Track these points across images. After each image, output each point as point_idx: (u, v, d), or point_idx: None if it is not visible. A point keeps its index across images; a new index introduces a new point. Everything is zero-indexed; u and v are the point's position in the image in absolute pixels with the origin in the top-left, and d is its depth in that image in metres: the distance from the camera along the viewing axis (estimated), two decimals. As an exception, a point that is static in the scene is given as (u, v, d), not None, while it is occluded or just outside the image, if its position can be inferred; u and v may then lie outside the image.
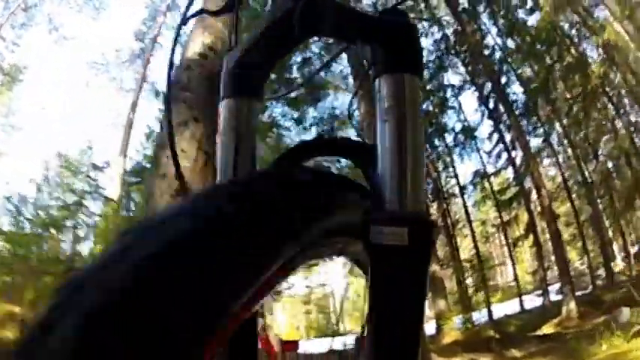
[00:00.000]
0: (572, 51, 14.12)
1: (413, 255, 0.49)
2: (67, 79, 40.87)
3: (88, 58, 22.95)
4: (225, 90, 0.63)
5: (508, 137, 15.60)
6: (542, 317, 12.18)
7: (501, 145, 15.86)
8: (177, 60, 3.82)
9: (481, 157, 16.39)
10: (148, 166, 13.19)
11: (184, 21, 0.76)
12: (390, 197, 0.52)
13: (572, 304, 10.70)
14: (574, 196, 15.98)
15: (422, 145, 0.55)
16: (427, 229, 0.50)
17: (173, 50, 0.75)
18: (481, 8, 14.80)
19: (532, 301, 15.65)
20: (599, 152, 16.41)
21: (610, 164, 16.49)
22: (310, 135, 14.37)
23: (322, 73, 13.44)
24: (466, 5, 14.52)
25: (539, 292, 15.50)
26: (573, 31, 13.97)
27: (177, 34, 0.75)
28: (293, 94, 13.27)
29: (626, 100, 14.49)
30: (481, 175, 16.29)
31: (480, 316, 14.67)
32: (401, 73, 0.55)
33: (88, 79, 29.28)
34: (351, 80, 13.51)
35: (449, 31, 15.49)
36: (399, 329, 0.50)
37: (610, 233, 15.63)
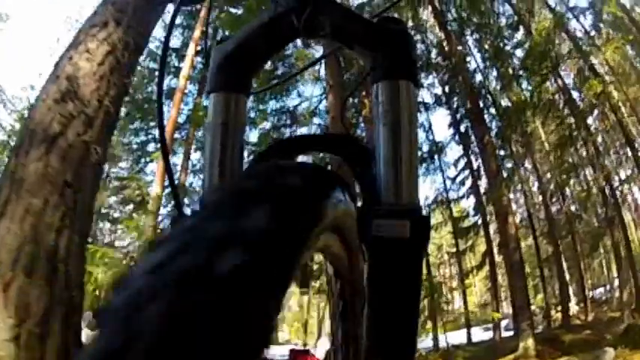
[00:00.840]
0: (557, 84, 13.71)
1: (413, 247, 0.51)
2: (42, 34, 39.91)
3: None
4: (213, 83, 0.63)
5: (475, 164, 15.04)
6: (493, 352, 11.41)
7: (467, 172, 15.28)
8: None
9: (444, 181, 15.68)
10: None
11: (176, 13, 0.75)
12: (387, 192, 0.53)
13: (530, 341, 9.90)
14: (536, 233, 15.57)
15: (416, 146, 0.57)
16: (425, 222, 0.51)
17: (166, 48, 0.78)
18: (468, 31, 14.29)
19: (480, 334, 15.03)
20: (567, 193, 16.25)
21: (575, 207, 16.38)
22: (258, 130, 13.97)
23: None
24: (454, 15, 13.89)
25: (488, 325, 14.87)
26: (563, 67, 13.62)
27: (170, 33, 0.74)
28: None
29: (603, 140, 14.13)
30: (441, 201, 15.61)
31: (424, 345, 13.93)
32: (398, 79, 0.57)
33: (60, 35, 27.41)
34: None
35: (430, 41, 14.84)
36: (400, 318, 0.52)
37: (567, 275, 15.16)
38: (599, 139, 14.48)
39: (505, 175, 13.66)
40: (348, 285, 0.67)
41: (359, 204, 0.54)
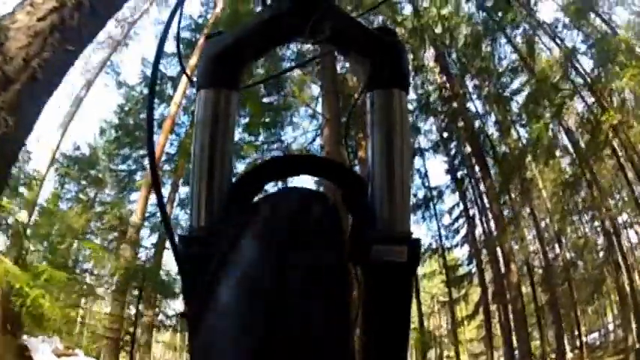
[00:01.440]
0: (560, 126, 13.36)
1: (408, 270, 0.54)
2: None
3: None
4: (202, 78, 0.61)
5: (471, 211, 14.61)
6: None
7: (462, 220, 14.84)
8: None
9: (439, 229, 15.18)
10: None
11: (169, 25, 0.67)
12: (382, 219, 0.56)
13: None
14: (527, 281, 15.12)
15: (409, 158, 0.61)
16: (418, 246, 0.55)
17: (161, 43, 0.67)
18: (468, 76, 13.95)
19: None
20: (563, 241, 15.90)
21: (571, 254, 16.05)
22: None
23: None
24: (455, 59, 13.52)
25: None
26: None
27: (164, 35, 0.67)
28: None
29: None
30: (435, 249, 15.17)
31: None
32: (392, 88, 0.60)
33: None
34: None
35: (431, 83, 14.45)
36: (395, 338, 0.55)
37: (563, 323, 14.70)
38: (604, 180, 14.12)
39: (506, 221, 13.25)
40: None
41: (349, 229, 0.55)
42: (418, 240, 0.55)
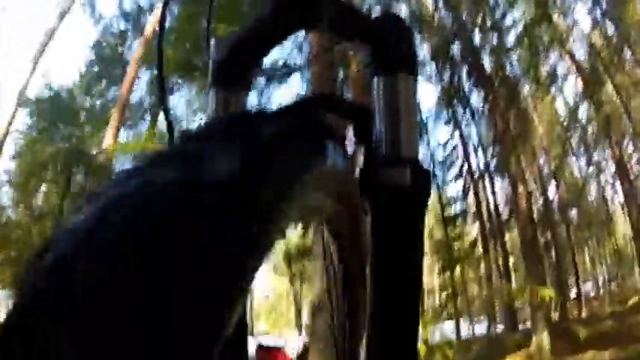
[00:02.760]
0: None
1: (414, 197, 0.51)
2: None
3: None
4: (215, 79, 0.61)
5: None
6: (499, 348, 10.27)
7: (455, 153, 14.23)
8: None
9: (433, 165, 14.47)
10: None
11: None
12: (387, 146, 0.54)
13: (545, 336, 8.77)
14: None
15: (416, 136, 0.59)
16: (426, 175, 0.53)
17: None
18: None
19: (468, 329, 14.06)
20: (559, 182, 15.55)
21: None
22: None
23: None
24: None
25: (479, 318, 13.92)
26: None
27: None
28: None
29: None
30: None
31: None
32: (398, 73, 0.58)
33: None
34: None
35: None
36: (403, 274, 0.51)
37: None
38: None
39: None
40: (350, 245, 0.60)
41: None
42: (425, 169, 0.52)
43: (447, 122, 14.31)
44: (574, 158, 16.09)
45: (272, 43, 0.62)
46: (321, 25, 0.58)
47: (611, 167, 14.72)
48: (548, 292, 8.62)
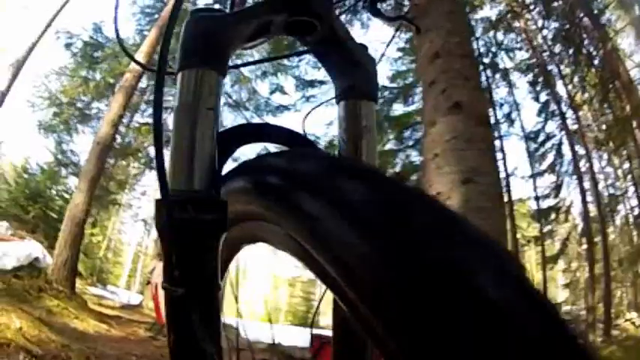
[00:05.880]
0: None
1: None
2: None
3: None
4: (183, 59, 0.55)
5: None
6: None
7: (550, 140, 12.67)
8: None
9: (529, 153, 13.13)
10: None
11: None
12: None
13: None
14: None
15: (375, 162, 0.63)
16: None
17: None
18: None
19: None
20: None
21: None
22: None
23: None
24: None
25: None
26: None
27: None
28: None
29: None
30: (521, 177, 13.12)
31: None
32: (362, 99, 0.62)
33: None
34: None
35: None
36: None
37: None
38: None
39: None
40: None
41: None
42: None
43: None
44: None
45: (257, 35, 0.59)
46: (306, 40, 0.60)
47: None
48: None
